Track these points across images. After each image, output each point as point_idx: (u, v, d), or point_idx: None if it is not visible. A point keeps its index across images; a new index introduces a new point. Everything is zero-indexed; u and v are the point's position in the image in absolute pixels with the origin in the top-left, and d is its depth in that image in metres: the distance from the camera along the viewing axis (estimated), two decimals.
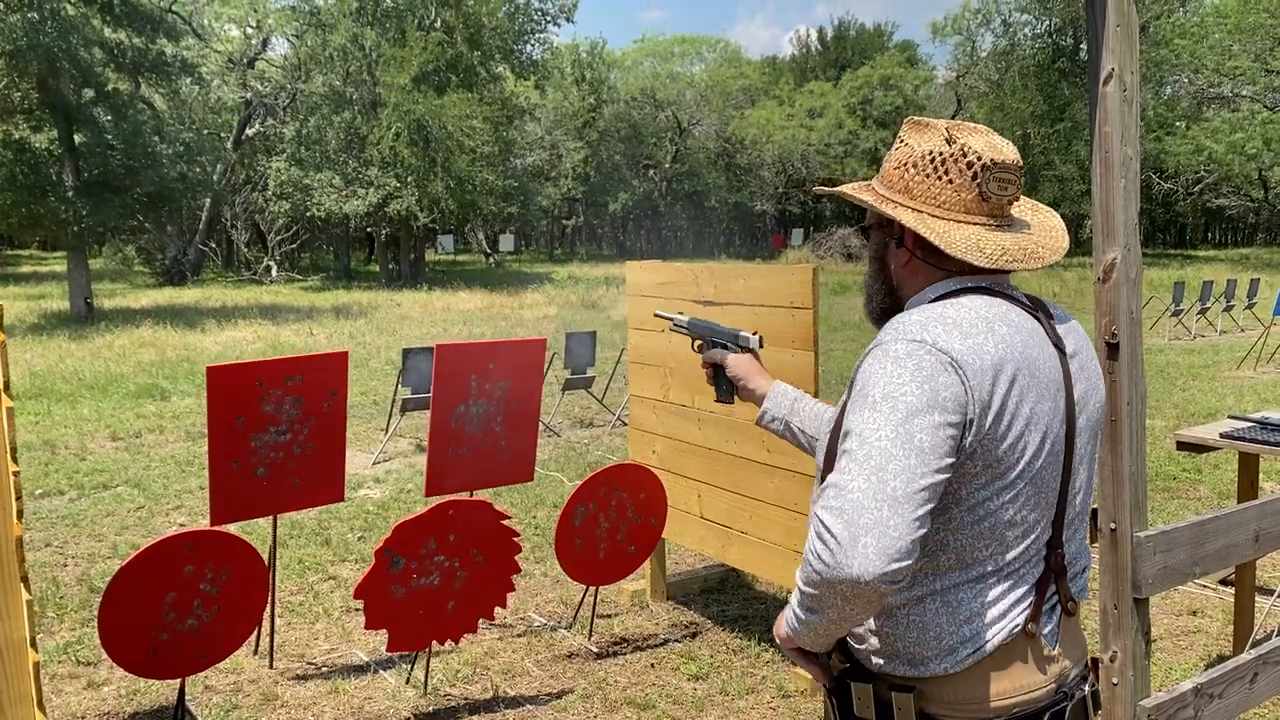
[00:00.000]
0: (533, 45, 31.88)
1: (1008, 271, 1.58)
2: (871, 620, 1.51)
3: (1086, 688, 1.63)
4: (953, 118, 43.94)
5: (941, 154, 1.56)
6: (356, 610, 4.68)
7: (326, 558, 5.50)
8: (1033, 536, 1.51)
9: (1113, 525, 2.68)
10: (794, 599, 1.45)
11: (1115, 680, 2.70)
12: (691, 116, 46.43)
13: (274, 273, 31.08)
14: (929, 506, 1.35)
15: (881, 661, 1.52)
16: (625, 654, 4.27)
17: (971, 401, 1.40)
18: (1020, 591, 1.50)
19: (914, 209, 1.57)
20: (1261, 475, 5.75)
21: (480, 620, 3.76)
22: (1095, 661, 2.74)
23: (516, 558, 3.78)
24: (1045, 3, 35.07)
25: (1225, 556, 2.88)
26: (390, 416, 8.46)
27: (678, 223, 52.26)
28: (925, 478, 1.34)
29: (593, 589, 4.40)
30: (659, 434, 4.64)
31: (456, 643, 3.76)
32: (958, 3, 43.44)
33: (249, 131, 32.51)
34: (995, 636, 1.48)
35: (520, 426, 4.08)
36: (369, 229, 31.83)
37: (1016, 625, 1.49)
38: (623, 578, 4.32)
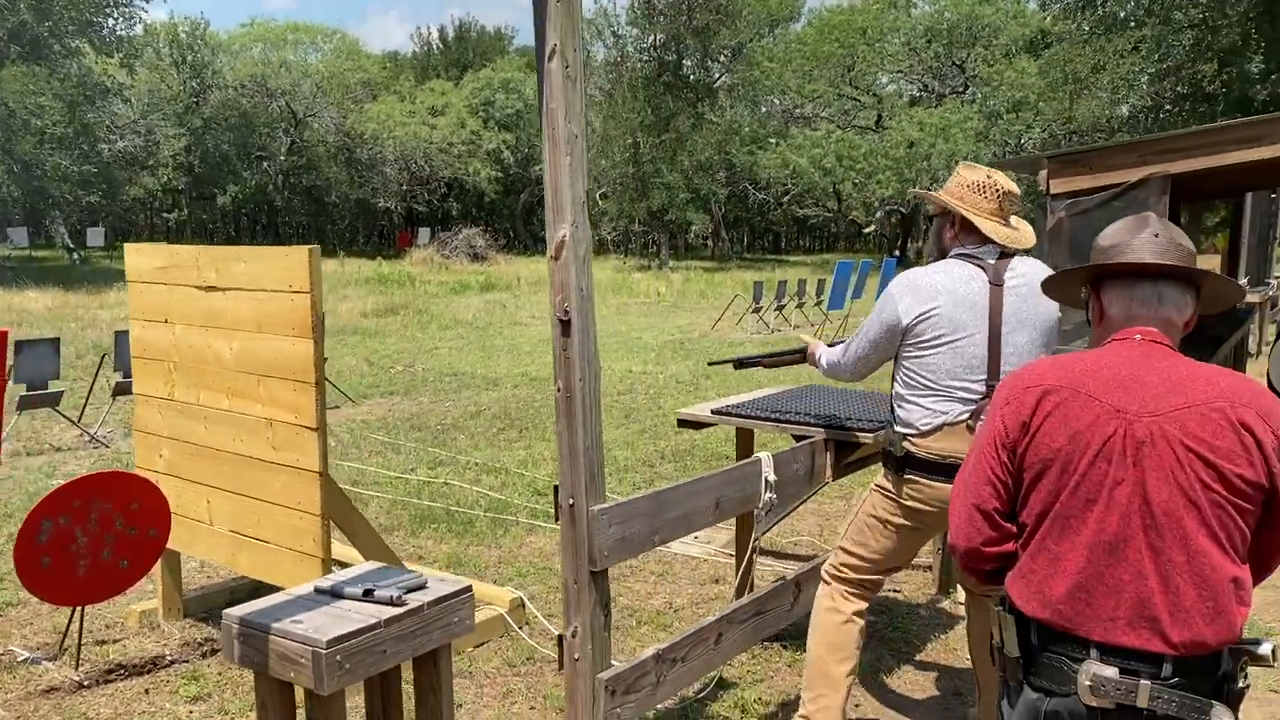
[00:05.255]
0: (116, 19, 28.82)
1: (990, 251, 2.94)
2: (897, 411, 3.03)
3: None
4: None
5: (983, 183, 2.95)
6: None
7: None
8: (970, 377, 2.87)
9: (571, 501, 2.70)
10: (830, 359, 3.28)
11: (576, 655, 2.71)
12: (308, 108, 44.32)
13: None
14: (869, 355, 3.08)
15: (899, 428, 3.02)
16: (119, 682, 3.81)
17: (900, 313, 2.93)
18: (961, 405, 2.89)
19: (965, 209, 2.95)
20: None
21: None
22: (561, 639, 2.75)
23: None
24: (651, 18, 37.13)
25: (687, 523, 3.01)
26: None
27: (297, 218, 49.74)
28: (867, 345, 3.06)
29: (80, 614, 3.89)
30: (166, 436, 4.20)
31: None
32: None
33: None
34: (945, 420, 2.90)
35: None
36: None
37: (962, 418, 2.89)
38: (114, 595, 3.85)
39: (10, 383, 7.50)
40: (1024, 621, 1.82)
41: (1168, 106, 25.42)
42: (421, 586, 2.38)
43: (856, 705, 3.70)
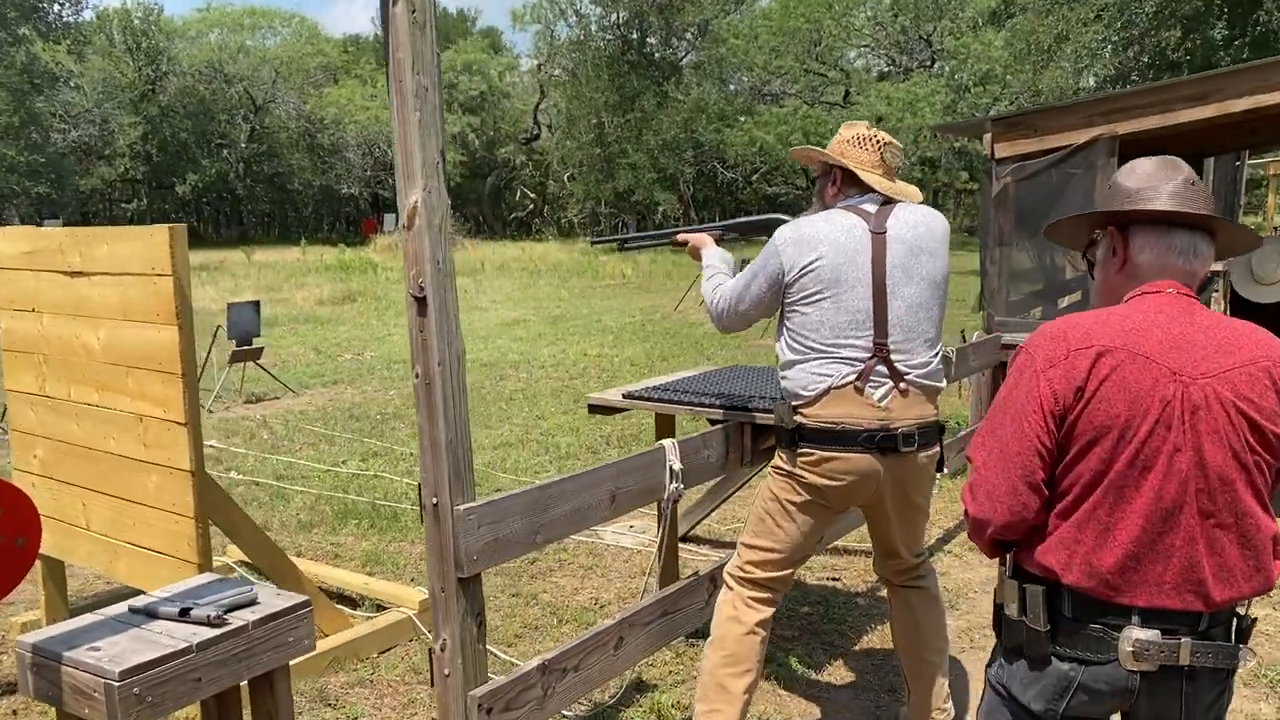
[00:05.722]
0: (62, 5, 27.96)
1: (871, 199, 2.78)
2: (782, 382, 2.81)
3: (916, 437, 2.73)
4: (538, 105, 44.83)
5: (863, 135, 2.80)
6: None
7: None
8: (854, 335, 2.67)
9: (434, 499, 2.42)
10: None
11: (446, 671, 2.44)
12: (267, 94, 43.53)
13: None
14: (752, 309, 2.84)
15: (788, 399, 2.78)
16: None
17: (784, 265, 2.72)
18: (847, 367, 2.68)
19: (846, 163, 2.79)
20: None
21: None
22: (431, 653, 2.48)
23: None
24: None
25: (578, 520, 2.73)
26: None
27: (260, 206, 48.99)
28: (750, 301, 2.83)
29: None
30: (39, 435, 3.89)
31: None
32: None
33: None
34: (831, 384, 2.68)
35: None
36: None
37: (849, 379, 2.68)
38: None
39: None
40: (1056, 591, 1.75)
41: (1134, 76, 25.25)
42: (250, 602, 2.11)
43: (780, 706, 3.45)
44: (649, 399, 3.53)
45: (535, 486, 2.58)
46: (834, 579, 4.59)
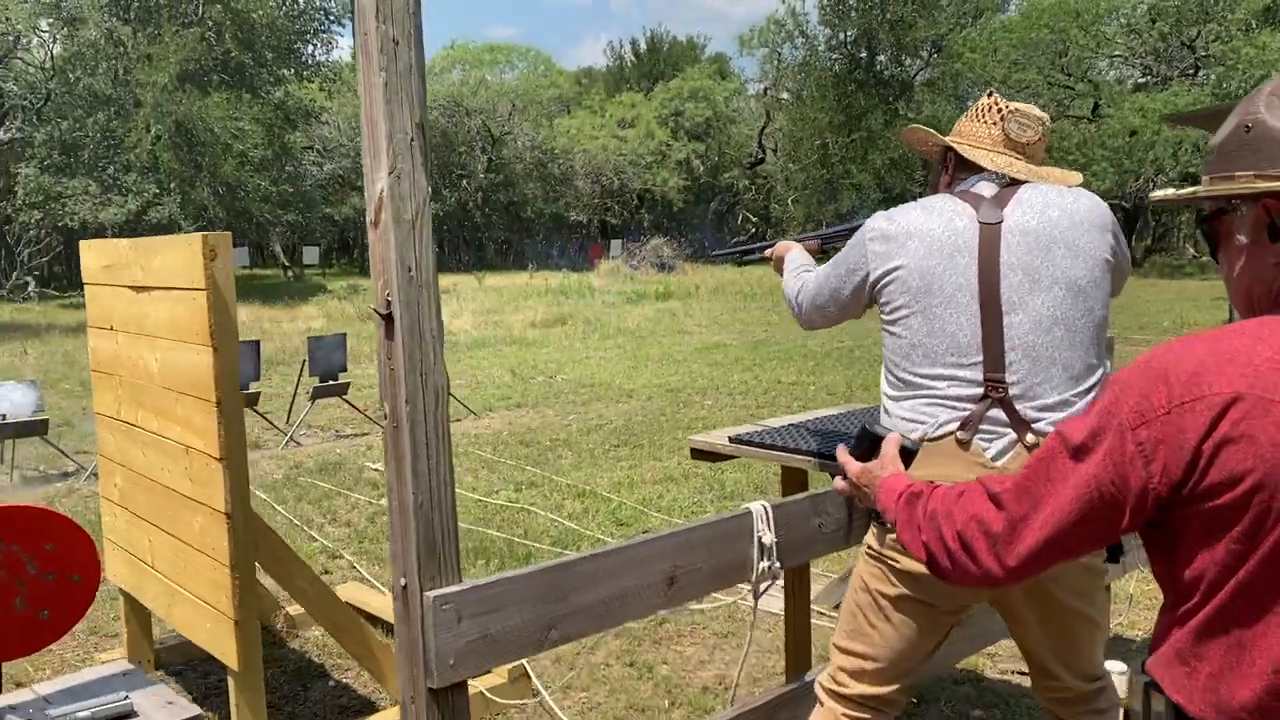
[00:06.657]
0: (315, 45, 30.03)
1: (988, 180, 2.05)
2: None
3: None
4: (763, 130, 44.42)
5: (983, 106, 2.15)
6: None
7: None
8: (958, 363, 1.95)
9: (403, 581, 1.86)
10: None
11: None
12: (504, 126, 45.32)
13: (31, 289, 28.22)
14: (831, 304, 2.20)
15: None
16: None
17: (869, 264, 2.07)
18: (949, 411, 1.96)
19: (957, 142, 2.12)
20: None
21: None
22: None
23: None
24: (842, 15, 35.66)
25: (616, 610, 2.08)
26: None
27: (496, 234, 50.99)
28: (827, 294, 2.20)
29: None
30: (118, 462, 3.65)
31: None
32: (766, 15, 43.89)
33: (2, 136, 29.52)
34: (925, 433, 1.97)
35: None
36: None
37: (949, 428, 1.95)
38: (37, 649, 3.25)
39: None
40: (1181, 712, 1.28)
41: None
42: (124, 716, 1.60)
43: None
44: (758, 444, 2.83)
45: (552, 564, 1.96)
46: (1019, 672, 3.69)
